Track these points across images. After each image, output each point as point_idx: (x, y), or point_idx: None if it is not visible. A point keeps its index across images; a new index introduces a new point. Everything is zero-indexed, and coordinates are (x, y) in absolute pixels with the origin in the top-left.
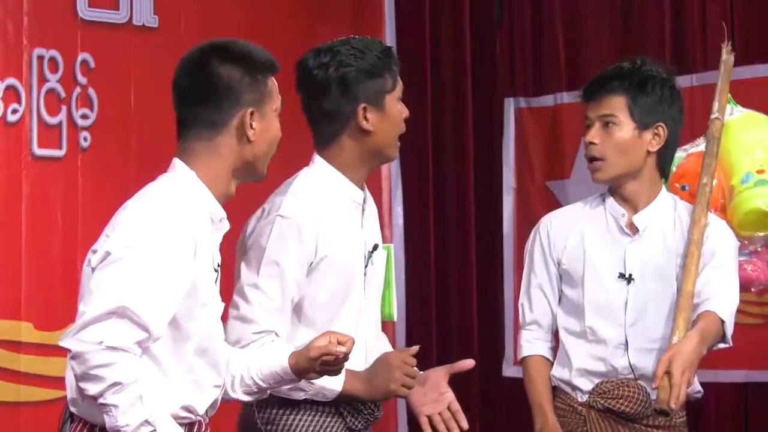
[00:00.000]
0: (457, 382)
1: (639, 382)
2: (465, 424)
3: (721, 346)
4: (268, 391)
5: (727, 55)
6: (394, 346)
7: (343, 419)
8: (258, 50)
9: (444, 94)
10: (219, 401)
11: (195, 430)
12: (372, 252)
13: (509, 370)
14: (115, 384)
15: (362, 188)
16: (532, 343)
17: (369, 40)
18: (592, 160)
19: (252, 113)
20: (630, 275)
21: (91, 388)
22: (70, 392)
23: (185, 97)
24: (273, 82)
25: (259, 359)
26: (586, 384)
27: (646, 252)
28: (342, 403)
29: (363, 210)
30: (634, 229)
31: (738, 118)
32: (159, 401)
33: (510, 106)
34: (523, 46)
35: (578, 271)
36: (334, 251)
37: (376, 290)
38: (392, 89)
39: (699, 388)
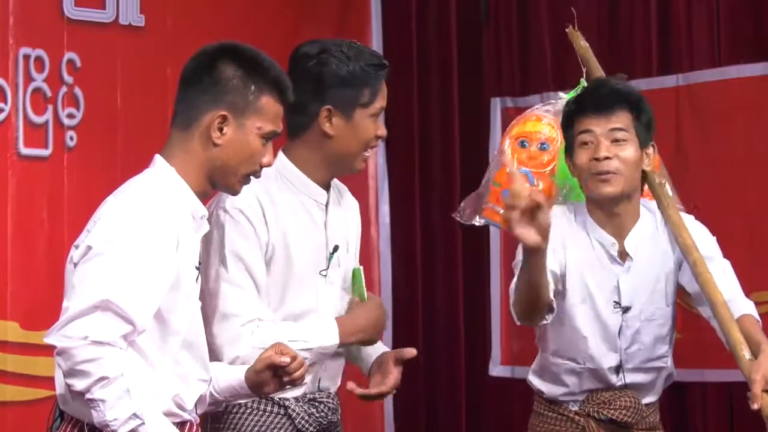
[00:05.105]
0: (444, 381)
1: (633, 392)
2: (386, 389)
3: None
4: (224, 404)
5: (584, 49)
6: None
7: (291, 421)
8: (273, 66)
9: (430, 93)
10: (207, 397)
11: (186, 429)
12: (333, 253)
13: (496, 370)
14: (101, 379)
15: (327, 188)
16: None
17: (366, 52)
18: (603, 173)
19: (224, 117)
20: (627, 306)
21: (78, 384)
22: (59, 390)
23: (181, 80)
24: (270, 103)
25: (217, 372)
26: (580, 396)
27: (638, 279)
28: (291, 406)
29: (327, 210)
30: (624, 256)
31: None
32: (147, 394)
33: (496, 105)
34: (509, 45)
35: (575, 298)
36: (287, 245)
37: (341, 292)
38: (368, 104)
39: None
